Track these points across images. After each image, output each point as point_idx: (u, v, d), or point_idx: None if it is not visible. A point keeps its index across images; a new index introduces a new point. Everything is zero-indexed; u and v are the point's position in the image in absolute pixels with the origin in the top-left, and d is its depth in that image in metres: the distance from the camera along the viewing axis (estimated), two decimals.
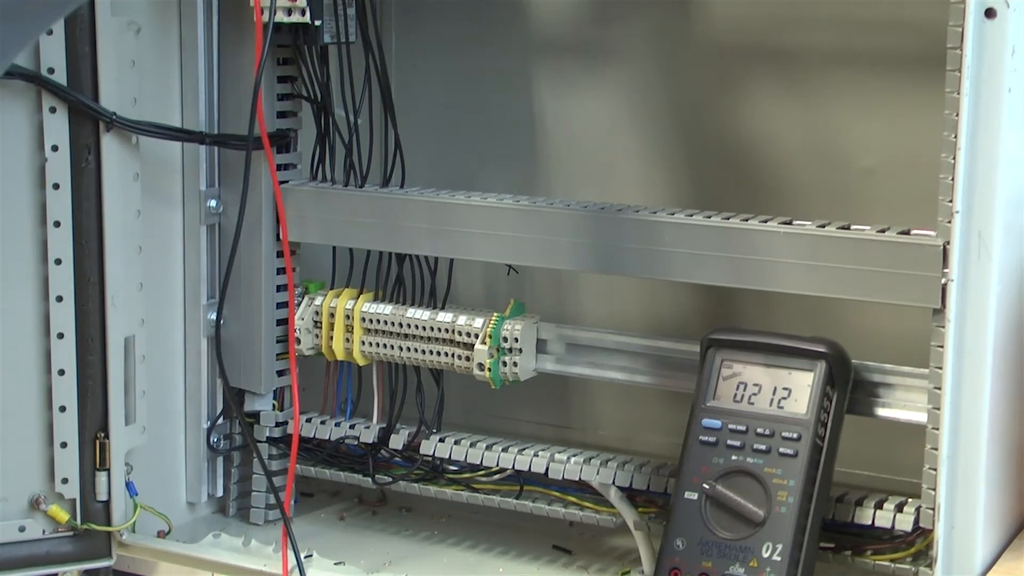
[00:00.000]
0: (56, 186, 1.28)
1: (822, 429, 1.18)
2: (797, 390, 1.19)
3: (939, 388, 1.11)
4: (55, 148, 1.27)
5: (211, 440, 1.44)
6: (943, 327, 1.10)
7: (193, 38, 1.39)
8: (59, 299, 1.29)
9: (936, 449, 1.12)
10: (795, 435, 1.17)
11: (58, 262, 1.29)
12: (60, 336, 1.29)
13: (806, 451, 1.17)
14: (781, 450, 1.17)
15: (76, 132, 1.28)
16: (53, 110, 1.27)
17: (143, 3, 1.35)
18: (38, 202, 1.28)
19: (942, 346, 1.11)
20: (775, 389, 1.20)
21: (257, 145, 1.38)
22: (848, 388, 1.20)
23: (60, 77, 1.26)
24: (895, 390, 1.20)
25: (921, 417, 1.16)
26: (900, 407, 1.20)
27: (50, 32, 1.25)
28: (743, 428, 1.19)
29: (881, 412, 1.21)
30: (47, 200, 1.28)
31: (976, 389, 1.10)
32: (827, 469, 1.18)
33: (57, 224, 1.28)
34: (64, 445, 1.30)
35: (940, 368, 1.11)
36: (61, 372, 1.29)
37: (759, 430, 1.19)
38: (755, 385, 1.21)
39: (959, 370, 1.10)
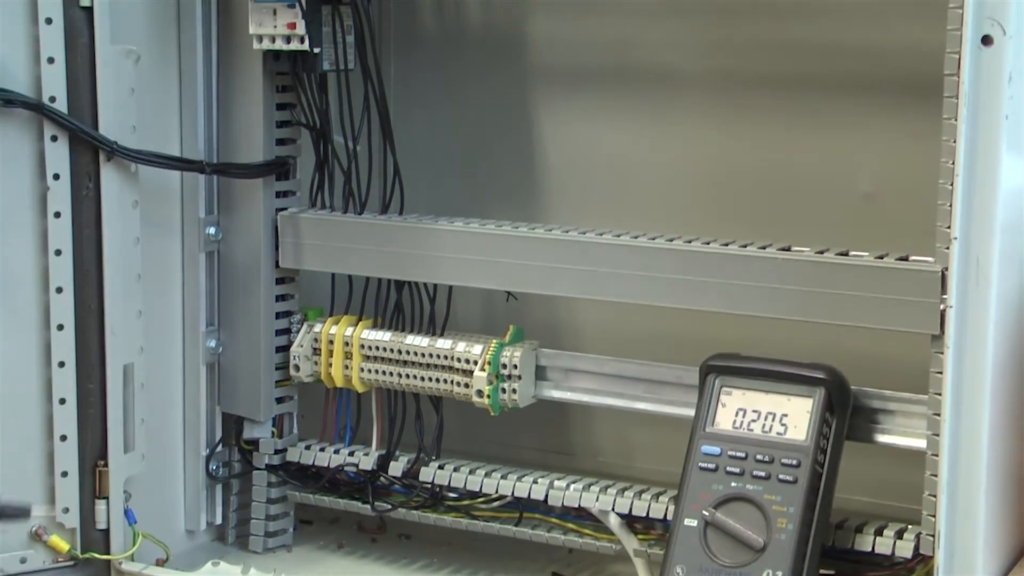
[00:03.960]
0: (57, 214, 1.28)
1: (821, 455, 1.18)
2: (796, 416, 1.19)
3: (938, 414, 1.11)
4: (56, 177, 1.28)
5: (210, 468, 1.44)
6: (942, 353, 1.11)
7: (192, 66, 1.39)
8: (60, 327, 1.29)
9: (936, 475, 1.11)
10: (794, 461, 1.17)
11: (59, 290, 1.29)
12: (61, 365, 1.29)
13: (806, 477, 1.17)
14: (780, 476, 1.17)
15: (77, 160, 1.28)
16: (55, 139, 1.27)
17: (143, 32, 1.35)
18: (40, 230, 1.28)
19: (941, 372, 1.11)
20: (774, 415, 1.20)
21: (256, 173, 1.38)
22: (848, 414, 1.20)
23: (61, 105, 1.27)
24: (895, 416, 1.20)
25: (920, 443, 1.16)
26: (900, 433, 1.20)
27: (51, 61, 1.26)
28: (742, 454, 1.19)
29: (881, 438, 1.21)
30: (48, 228, 1.28)
31: (975, 415, 1.10)
32: (827, 495, 1.18)
33: (58, 252, 1.28)
34: (65, 474, 1.30)
35: (939, 394, 1.11)
36: (62, 401, 1.29)
37: (758, 456, 1.19)
38: (754, 411, 1.21)
39: (958, 396, 1.10)
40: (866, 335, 1.22)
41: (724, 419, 1.21)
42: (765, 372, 1.21)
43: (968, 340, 1.10)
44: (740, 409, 1.21)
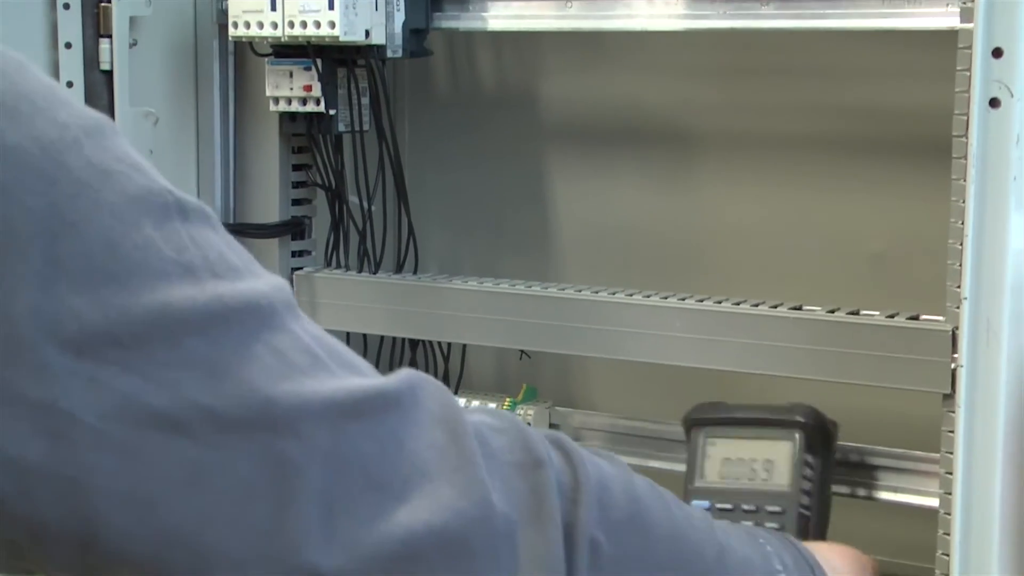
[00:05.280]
0: None
1: (806, 499, 1.16)
2: (779, 462, 1.17)
3: (950, 473, 1.11)
4: None
5: None
6: (953, 412, 1.11)
7: (210, 128, 1.41)
8: None
9: (948, 535, 1.11)
10: (779, 509, 1.15)
11: None
12: None
13: (792, 524, 1.14)
14: (768, 525, 1.14)
15: None
16: None
17: (161, 94, 1.37)
18: None
19: (952, 431, 1.11)
20: (758, 463, 1.18)
21: (273, 233, 1.40)
22: (831, 453, 1.18)
23: None
24: (907, 475, 1.20)
25: (933, 502, 1.15)
26: (912, 492, 1.20)
27: None
28: (730, 507, 1.17)
29: (893, 497, 1.21)
30: None
31: (987, 474, 1.10)
32: (818, 539, 1.15)
33: None
34: None
35: (951, 453, 1.11)
36: None
37: (744, 507, 1.16)
38: (739, 460, 1.19)
39: (970, 455, 1.10)
40: (879, 392, 1.23)
41: (711, 471, 1.19)
42: (744, 420, 1.19)
43: (979, 399, 1.10)
44: (726, 459, 1.19)
